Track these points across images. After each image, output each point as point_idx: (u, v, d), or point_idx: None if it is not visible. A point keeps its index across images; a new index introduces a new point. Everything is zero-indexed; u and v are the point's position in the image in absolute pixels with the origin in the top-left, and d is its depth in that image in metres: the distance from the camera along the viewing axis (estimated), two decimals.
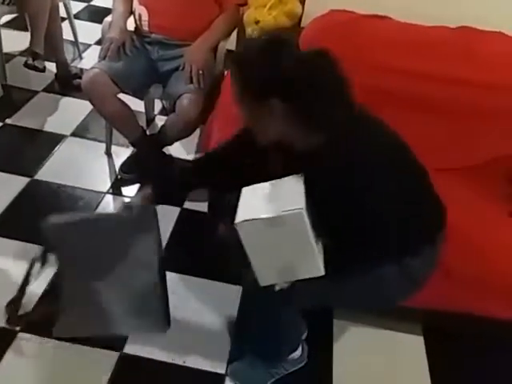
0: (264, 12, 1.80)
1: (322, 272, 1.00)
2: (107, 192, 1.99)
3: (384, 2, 1.66)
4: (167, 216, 1.91)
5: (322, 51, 0.97)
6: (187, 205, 1.98)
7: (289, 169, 1.05)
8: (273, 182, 1.05)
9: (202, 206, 1.85)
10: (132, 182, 2.04)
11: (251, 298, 1.20)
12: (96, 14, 3.37)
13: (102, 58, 1.83)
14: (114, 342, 1.42)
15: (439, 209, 1.15)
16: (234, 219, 0.99)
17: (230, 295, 1.64)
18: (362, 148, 0.97)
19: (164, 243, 1.79)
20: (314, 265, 1.00)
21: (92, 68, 1.80)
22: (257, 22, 1.82)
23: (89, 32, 3.01)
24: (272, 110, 0.96)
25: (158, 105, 2.50)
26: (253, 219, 0.95)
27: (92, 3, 3.63)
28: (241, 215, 0.98)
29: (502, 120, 1.53)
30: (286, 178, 1.04)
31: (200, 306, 1.60)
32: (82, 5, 3.56)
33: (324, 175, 0.97)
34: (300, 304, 1.15)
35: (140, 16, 1.90)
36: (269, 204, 0.99)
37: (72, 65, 2.72)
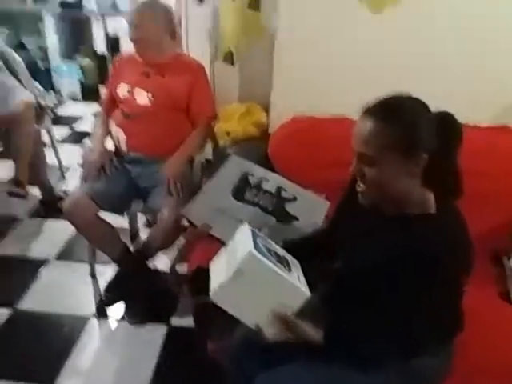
0: (233, 124, 1.92)
1: (307, 294, 1.02)
2: (92, 315, 1.92)
3: (338, 102, 1.76)
4: (153, 335, 1.83)
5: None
6: (173, 321, 1.91)
7: (375, 231, 1.05)
8: (228, 244, 1.10)
9: (189, 322, 1.78)
10: (118, 301, 1.98)
11: None
12: (79, 137, 3.54)
13: (83, 181, 1.89)
14: None
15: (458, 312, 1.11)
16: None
17: None
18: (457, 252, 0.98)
19: (152, 367, 1.69)
20: (296, 291, 1.01)
21: (73, 193, 1.85)
22: (227, 134, 1.93)
23: (72, 154, 3.10)
24: (418, 164, 0.98)
25: (142, 219, 2.53)
26: (219, 286, 0.99)
27: (75, 129, 3.82)
28: (211, 288, 1.02)
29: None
30: (236, 235, 1.09)
31: None
32: (68, 131, 3.75)
33: (405, 244, 0.96)
34: None
35: (118, 137, 2.00)
36: (228, 265, 1.02)
37: (56, 188, 2.79)
